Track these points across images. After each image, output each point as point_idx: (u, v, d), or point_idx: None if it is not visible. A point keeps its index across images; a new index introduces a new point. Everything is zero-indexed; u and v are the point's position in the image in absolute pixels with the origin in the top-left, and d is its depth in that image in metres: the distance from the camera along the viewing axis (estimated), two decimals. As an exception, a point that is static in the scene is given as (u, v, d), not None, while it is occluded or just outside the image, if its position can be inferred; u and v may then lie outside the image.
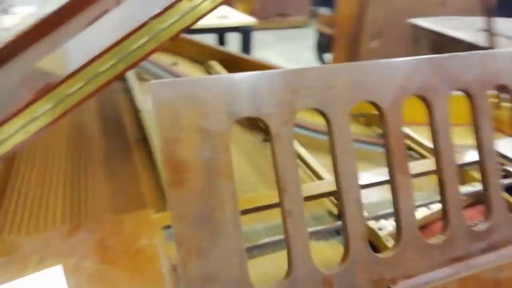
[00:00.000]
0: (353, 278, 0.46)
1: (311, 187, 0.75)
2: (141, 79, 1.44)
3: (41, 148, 1.01)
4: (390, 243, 0.67)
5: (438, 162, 0.51)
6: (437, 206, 0.77)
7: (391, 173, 0.49)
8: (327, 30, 4.05)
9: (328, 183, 0.80)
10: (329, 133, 0.46)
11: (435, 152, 0.51)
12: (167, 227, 0.69)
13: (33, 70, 0.74)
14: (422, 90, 0.50)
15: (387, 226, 0.71)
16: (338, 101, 0.45)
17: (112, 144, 1.07)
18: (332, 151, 0.46)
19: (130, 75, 1.40)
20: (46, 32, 0.84)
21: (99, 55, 0.57)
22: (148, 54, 0.57)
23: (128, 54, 0.58)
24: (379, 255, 0.48)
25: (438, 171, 0.51)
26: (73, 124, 1.16)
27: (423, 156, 0.95)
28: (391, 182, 0.50)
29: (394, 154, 0.48)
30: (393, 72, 0.50)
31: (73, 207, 0.81)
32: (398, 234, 0.50)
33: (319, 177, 0.85)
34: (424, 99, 0.51)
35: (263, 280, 0.62)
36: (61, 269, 0.53)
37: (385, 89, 0.48)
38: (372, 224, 0.66)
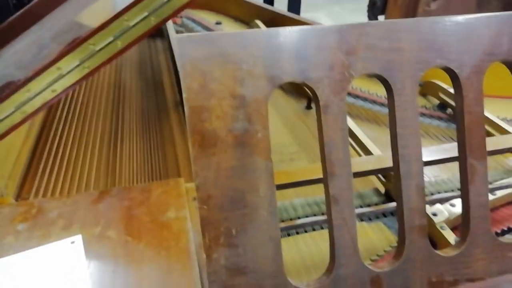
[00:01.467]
0: (407, 278, 0.39)
1: (357, 163, 0.67)
2: (182, 38, 1.38)
3: (80, 106, 0.99)
4: (445, 231, 0.59)
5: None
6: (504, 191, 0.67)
7: (462, 156, 0.41)
8: (383, -10, 3.74)
9: (376, 159, 0.72)
10: (390, 105, 0.38)
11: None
12: (200, 198, 0.65)
13: (66, 25, 0.70)
14: (512, 56, 0.40)
15: (443, 211, 0.63)
16: (405, 66, 0.36)
17: (150, 106, 1.04)
18: (392, 127, 0.38)
19: (172, 34, 1.34)
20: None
21: (129, 7, 0.51)
22: (183, 7, 0.50)
23: (161, 6, 0.51)
24: (441, 252, 0.40)
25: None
26: (113, 82, 1.13)
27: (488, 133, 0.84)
28: (461, 166, 0.41)
29: (471, 134, 0.39)
30: (476, 32, 0.40)
31: (107, 170, 0.78)
32: (464, 228, 0.42)
33: (366, 151, 0.76)
34: (513, 67, 0.40)
35: (297, 265, 0.57)
36: (81, 239, 0.50)
37: (464, 52, 0.38)
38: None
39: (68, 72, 0.52)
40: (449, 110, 0.98)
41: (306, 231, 0.63)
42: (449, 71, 0.39)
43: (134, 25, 0.51)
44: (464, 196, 0.41)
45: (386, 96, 0.69)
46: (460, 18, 0.40)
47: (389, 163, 0.69)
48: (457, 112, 0.39)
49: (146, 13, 0.50)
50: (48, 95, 0.53)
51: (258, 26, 1.36)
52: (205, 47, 0.32)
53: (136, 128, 0.93)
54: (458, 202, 0.65)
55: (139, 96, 1.08)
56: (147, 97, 1.08)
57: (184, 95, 0.32)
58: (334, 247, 0.37)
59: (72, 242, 0.51)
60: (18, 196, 0.72)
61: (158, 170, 0.80)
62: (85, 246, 0.50)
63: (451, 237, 0.58)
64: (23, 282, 0.46)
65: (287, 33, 0.34)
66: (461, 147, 0.40)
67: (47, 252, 0.50)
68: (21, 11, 0.79)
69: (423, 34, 0.37)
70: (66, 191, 0.73)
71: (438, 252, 0.41)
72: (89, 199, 0.57)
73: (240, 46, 0.33)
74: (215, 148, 0.33)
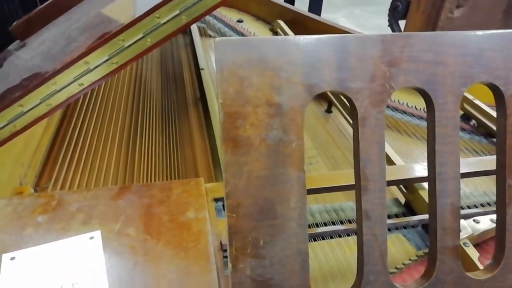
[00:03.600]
0: (436, 300, 0.37)
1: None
2: (204, 34, 1.37)
3: (101, 98, 0.99)
4: (468, 248, 0.57)
5: None
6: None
7: (500, 176, 0.39)
8: (406, -6, 3.69)
9: (398, 169, 0.70)
10: (430, 120, 0.36)
11: None
12: (218, 199, 0.64)
13: (94, 17, 0.69)
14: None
15: (466, 227, 0.61)
16: (449, 81, 0.35)
17: (170, 102, 1.03)
18: (430, 142, 0.37)
19: (194, 30, 1.34)
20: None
21: (161, 4, 0.50)
22: (215, 6, 0.50)
23: (194, 4, 0.50)
24: (473, 275, 0.39)
25: None
26: (134, 75, 1.13)
27: None
28: (498, 187, 0.39)
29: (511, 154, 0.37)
30: (523, 48, 0.38)
31: (125, 165, 0.78)
32: (499, 251, 0.40)
33: (388, 161, 0.75)
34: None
35: (314, 273, 0.56)
36: (100, 235, 0.49)
37: (511, 69, 0.37)
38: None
39: (96, 66, 0.51)
40: (473, 122, 0.95)
41: (323, 239, 0.62)
42: (494, 88, 0.37)
43: (164, 23, 0.50)
44: (500, 218, 0.40)
45: (410, 105, 0.67)
46: (510, 33, 0.38)
47: (411, 174, 0.68)
48: (499, 131, 0.38)
49: (177, 11, 0.49)
50: (74, 89, 0.53)
51: (280, 26, 1.35)
52: (244, 51, 0.31)
53: (155, 123, 0.93)
54: (482, 218, 0.63)
55: (159, 91, 1.08)
56: (167, 92, 1.08)
57: (219, 100, 0.31)
58: (363, 263, 0.36)
59: (91, 238, 0.50)
60: (37, 185, 0.72)
61: (177, 167, 0.80)
62: (104, 242, 0.50)
63: (474, 255, 0.56)
64: (42, 275, 0.46)
65: (328, 40, 0.33)
66: (500, 167, 0.39)
67: (66, 246, 0.49)
68: (49, 1, 0.79)
69: (469, 48, 0.35)
70: (84, 183, 0.73)
71: (469, 274, 0.39)
72: (109, 194, 0.57)
73: (279, 52, 0.32)
74: (247, 156, 0.32)
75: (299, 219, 0.33)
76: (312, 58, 0.33)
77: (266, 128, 0.32)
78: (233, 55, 0.31)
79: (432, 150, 0.36)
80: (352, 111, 0.34)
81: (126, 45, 0.51)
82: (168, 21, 0.50)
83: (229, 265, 0.33)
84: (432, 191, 0.37)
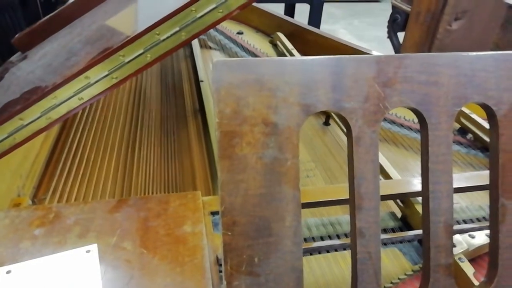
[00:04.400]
0: (430, 318, 0.37)
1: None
2: (205, 46, 1.39)
3: (100, 110, 1.00)
4: (463, 264, 0.57)
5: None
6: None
7: (494, 195, 0.39)
8: (405, 7, 3.72)
9: (395, 183, 0.71)
10: (423, 139, 0.37)
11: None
12: (215, 213, 0.64)
13: (96, 31, 0.70)
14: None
15: (462, 242, 0.61)
16: (442, 101, 0.36)
17: (169, 113, 1.04)
18: (423, 161, 0.37)
19: (195, 42, 1.35)
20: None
21: (161, 21, 0.51)
22: (215, 24, 0.50)
23: (193, 22, 0.51)
24: (466, 294, 0.39)
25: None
26: (134, 87, 1.14)
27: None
28: (492, 205, 0.40)
29: (504, 173, 0.38)
30: (515, 69, 0.39)
31: (123, 177, 0.79)
32: (492, 269, 0.41)
33: (384, 175, 0.75)
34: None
35: (310, 286, 0.56)
36: (96, 249, 0.49)
37: (504, 90, 0.37)
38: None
39: (96, 81, 0.52)
40: (470, 136, 0.96)
41: (319, 253, 0.62)
42: (487, 108, 0.38)
43: (164, 39, 0.51)
44: (493, 236, 0.40)
45: (408, 119, 0.67)
46: (502, 54, 0.39)
47: (408, 188, 0.69)
48: (491, 150, 0.38)
49: (177, 28, 0.50)
50: (74, 103, 0.53)
51: (280, 38, 1.36)
52: (241, 72, 0.32)
53: (154, 135, 0.93)
54: (477, 233, 0.63)
55: (158, 103, 1.08)
56: (166, 103, 1.08)
57: (216, 120, 0.32)
58: (356, 281, 0.36)
59: (88, 251, 0.51)
60: (35, 197, 0.72)
61: (174, 180, 0.80)
62: (100, 256, 0.50)
63: (469, 270, 0.56)
64: (38, 289, 0.46)
65: (324, 61, 0.34)
66: (493, 186, 0.39)
67: (63, 260, 0.49)
68: (52, 14, 0.80)
69: (462, 69, 0.36)
70: (82, 195, 0.73)
71: (463, 292, 0.39)
72: (106, 207, 0.57)
73: (276, 73, 0.33)
74: (243, 175, 0.33)
75: (294, 237, 0.34)
76: (308, 79, 0.33)
77: (262, 147, 0.33)
78: (230, 75, 0.32)
79: (425, 169, 0.37)
80: (347, 130, 0.35)
81: (126, 60, 0.51)
82: (167, 37, 0.51)
83: (224, 282, 0.33)
84: (425, 209, 0.37)
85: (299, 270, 0.34)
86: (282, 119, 0.33)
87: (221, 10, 0.52)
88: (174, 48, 0.51)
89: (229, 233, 0.33)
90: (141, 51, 0.51)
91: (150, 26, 0.50)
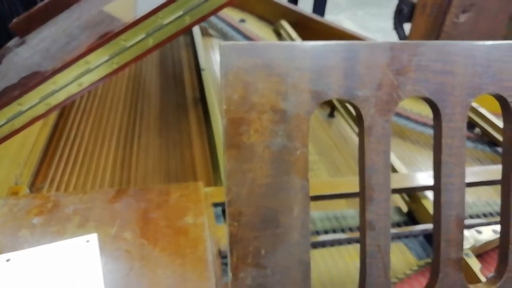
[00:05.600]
0: (439, 313, 0.37)
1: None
2: (206, 34, 1.36)
3: (99, 97, 0.98)
4: (470, 259, 0.56)
5: None
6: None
7: (505, 188, 0.38)
8: (412, -3, 3.67)
9: (401, 177, 0.70)
10: (437, 130, 0.36)
11: None
12: (218, 204, 0.63)
13: (95, 16, 0.68)
14: None
15: (468, 238, 0.60)
16: (457, 91, 0.34)
17: (170, 101, 1.02)
18: (436, 153, 0.36)
19: (195, 29, 1.33)
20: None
21: (165, 4, 0.49)
22: (220, 8, 0.49)
23: (198, 6, 0.49)
24: (475, 289, 0.38)
25: None
26: (133, 74, 1.12)
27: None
28: (503, 199, 0.39)
29: (518, 167, 0.37)
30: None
31: (122, 166, 0.77)
32: (501, 263, 0.40)
33: (391, 169, 0.74)
34: None
35: (315, 282, 0.55)
36: (96, 238, 0.48)
37: (519, 80, 0.36)
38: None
39: (96, 66, 0.51)
40: (477, 130, 0.95)
41: (323, 246, 0.61)
42: (501, 99, 0.36)
43: (167, 24, 0.49)
44: (504, 230, 0.39)
45: (414, 112, 0.66)
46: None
47: (414, 182, 0.68)
48: (505, 142, 0.37)
49: (181, 12, 0.48)
50: (73, 89, 0.52)
51: (284, 27, 1.34)
52: (250, 56, 0.31)
53: (153, 124, 0.92)
54: (484, 229, 0.62)
55: (158, 91, 1.07)
56: (166, 92, 1.07)
57: (223, 106, 0.30)
58: (365, 275, 0.35)
59: (87, 241, 0.50)
60: (32, 185, 0.71)
61: (174, 170, 0.79)
62: (100, 246, 0.49)
63: (476, 265, 0.55)
64: (36, 277, 0.45)
65: (337, 47, 0.32)
66: (506, 179, 0.38)
67: (62, 248, 0.48)
68: (50, -2, 0.78)
69: (478, 58, 0.35)
70: (80, 184, 0.72)
71: (472, 287, 0.38)
72: (105, 197, 0.56)
73: (286, 57, 0.31)
74: (251, 164, 0.31)
75: (301, 229, 0.33)
76: (319, 65, 0.32)
77: (270, 135, 0.31)
78: (238, 60, 0.31)
79: (438, 161, 0.36)
80: (358, 119, 0.34)
81: (128, 45, 0.50)
82: (171, 22, 0.49)
83: (230, 274, 0.32)
84: (437, 202, 0.36)
85: (307, 263, 0.33)
86: (292, 106, 0.32)
87: (226, -6, 0.50)
88: (177, 33, 0.50)
89: (235, 224, 0.31)
90: (143, 35, 0.49)
91: (153, 10, 0.48)
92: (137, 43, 0.50)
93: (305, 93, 0.32)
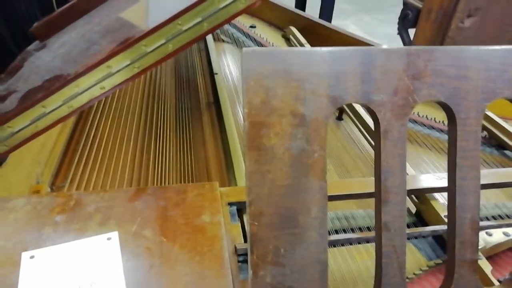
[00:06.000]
0: (453, 313, 0.37)
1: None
2: (218, 39, 1.38)
3: (117, 100, 1.00)
4: (481, 261, 0.57)
5: None
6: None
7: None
8: (416, 3, 3.66)
9: (409, 179, 0.70)
10: (451, 134, 0.36)
11: None
12: (233, 203, 0.64)
13: (115, 21, 0.70)
14: None
15: (479, 240, 0.61)
16: (472, 95, 0.35)
17: (184, 104, 1.04)
18: (451, 156, 0.37)
19: (208, 35, 1.35)
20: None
21: (184, 11, 0.51)
22: (237, 14, 0.50)
23: (215, 13, 0.51)
24: (489, 290, 0.39)
25: None
26: (149, 78, 1.14)
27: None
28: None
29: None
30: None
31: (141, 166, 0.79)
32: (515, 267, 0.40)
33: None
34: None
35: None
36: (117, 236, 0.50)
37: (533, 85, 0.37)
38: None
39: (117, 70, 0.52)
40: (485, 133, 0.95)
41: (334, 246, 0.62)
42: (516, 103, 0.37)
43: (186, 30, 0.51)
44: (518, 233, 0.39)
45: (421, 115, 0.66)
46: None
47: (422, 184, 0.68)
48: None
49: (200, 19, 0.50)
50: (96, 92, 0.54)
51: (293, 32, 1.35)
52: (270, 62, 0.32)
53: (169, 126, 0.94)
54: (495, 231, 0.63)
55: (173, 95, 1.09)
56: (180, 95, 1.09)
57: (245, 110, 0.32)
58: (381, 275, 0.36)
59: (109, 239, 0.51)
60: (53, 184, 0.73)
61: (190, 171, 0.80)
62: (121, 243, 0.51)
63: (487, 268, 0.56)
64: (60, 274, 0.46)
65: (354, 52, 0.33)
66: (520, 182, 0.39)
67: (84, 246, 0.50)
68: (69, 3, 0.80)
69: (493, 64, 0.36)
70: (99, 183, 0.74)
71: (486, 289, 0.39)
72: (126, 195, 0.58)
73: (305, 63, 0.32)
74: (271, 165, 0.33)
75: (319, 229, 0.34)
76: (337, 70, 0.33)
77: (290, 138, 0.33)
78: (259, 65, 0.32)
79: (453, 164, 0.36)
80: (374, 123, 0.35)
81: (149, 50, 0.51)
82: (190, 28, 0.51)
83: (250, 272, 0.33)
84: (451, 204, 0.37)
85: (324, 262, 0.34)
86: (310, 111, 0.33)
87: (243, 1, 0.51)
88: (196, 39, 0.51)
89: (256, 223, 0.33)
90: (163, 41, 0.51)
91: (172, 16, 0.50)
92: (157, 48, 0.51)
93: (323, 98, 0.33)
